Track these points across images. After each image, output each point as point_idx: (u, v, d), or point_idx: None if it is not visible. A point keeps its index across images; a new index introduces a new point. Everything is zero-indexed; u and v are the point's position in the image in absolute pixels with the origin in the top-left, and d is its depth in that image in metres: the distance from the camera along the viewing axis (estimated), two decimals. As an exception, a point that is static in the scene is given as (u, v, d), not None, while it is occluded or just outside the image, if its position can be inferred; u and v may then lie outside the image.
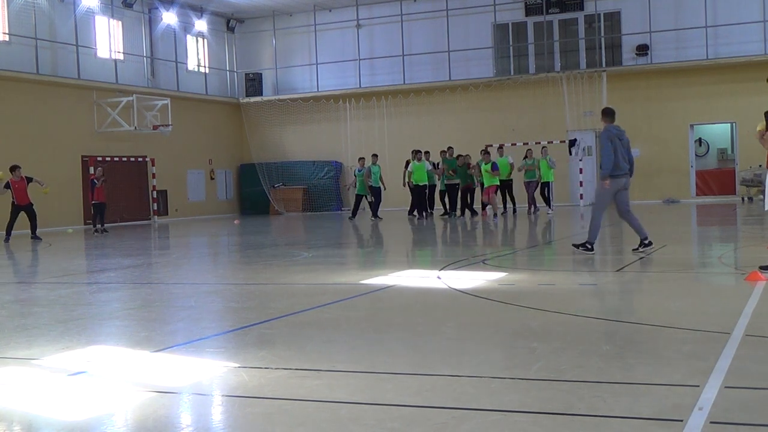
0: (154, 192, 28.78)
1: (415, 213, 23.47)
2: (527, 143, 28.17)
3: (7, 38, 24.43)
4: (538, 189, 24.49)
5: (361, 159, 24.61)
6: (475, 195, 23.81)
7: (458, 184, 23.65)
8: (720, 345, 5.20)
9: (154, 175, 28.68)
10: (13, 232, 19.61)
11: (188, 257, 15.38)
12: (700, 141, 30.64)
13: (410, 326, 6.57)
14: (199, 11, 31.63)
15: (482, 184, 22.52)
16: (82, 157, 26.16)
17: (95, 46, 27.53)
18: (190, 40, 32.18)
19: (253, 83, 33.48)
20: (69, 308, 8.32)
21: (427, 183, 23.59)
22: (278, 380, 4.87)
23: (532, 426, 3.78)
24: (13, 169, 19.53)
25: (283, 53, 33.34)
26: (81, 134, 26.34)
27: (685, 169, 28.63)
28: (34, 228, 19.80)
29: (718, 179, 29.19)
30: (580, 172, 28.02)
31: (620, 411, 3.97)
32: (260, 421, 4.11)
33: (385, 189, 24.28)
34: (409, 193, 24.06)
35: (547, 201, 24.19)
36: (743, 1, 27.64)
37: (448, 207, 23.87)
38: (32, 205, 19.75)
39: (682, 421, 3.72)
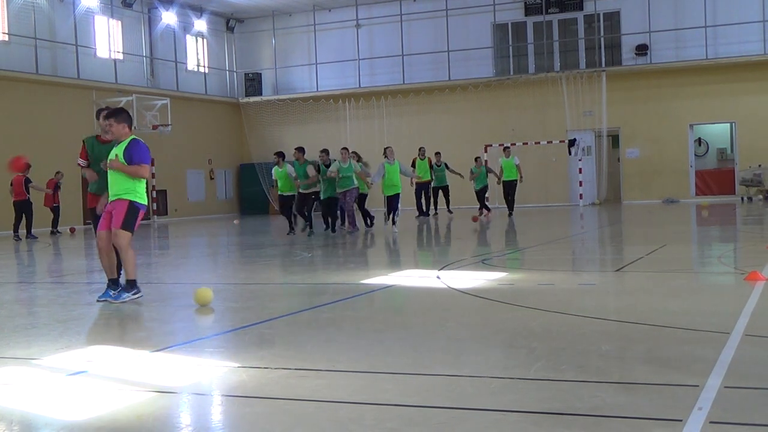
0: (154, 192, 28.78)
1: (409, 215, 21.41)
2: (527, 143, 28.21)
3: (6, 38, 24.43)
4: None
5: (325, 151, 18.56)
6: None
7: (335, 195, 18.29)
8: (720, 345, 5.20)
9: (153, 175, 28.67)
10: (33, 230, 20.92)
11: (188, 257, 15.38)
12: (699, 141, 30.65)
13: (410, 326, 6.57)
14: (199, 11, 31.63)
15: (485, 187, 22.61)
16: (82, 157, 26.15)
17: (95, 45, 27.53)
18: (190, 39, 32.18)
19: (253, 83, 33.49)
20: (69, 308, 8.31)
21: (295, 193, 18.02)
22: (278, 380, 4.87)
23: (532, 426, 3.78)
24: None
25: (283, 53, 33.34)
26: (81, 134, 26.12)
27: (684, 169, 28.66)
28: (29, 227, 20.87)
29: (717, 179, 29.21)
30: (580, 172, 28.03)
31: (620, 411, 3.97)
32: (260, 420, 4.11)
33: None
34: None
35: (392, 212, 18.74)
36: (743, 1, 27.66)
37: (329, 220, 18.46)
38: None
39: (681, 421, 3.72)
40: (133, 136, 8.28)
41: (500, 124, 29.57)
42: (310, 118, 32.26)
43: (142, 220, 8.78)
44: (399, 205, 18.73)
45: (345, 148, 18.25)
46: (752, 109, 27.50)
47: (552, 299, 7.56)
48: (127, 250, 8.22)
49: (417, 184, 23.19)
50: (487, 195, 23.93)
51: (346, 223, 18.17)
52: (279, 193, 18.41)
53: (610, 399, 4.16)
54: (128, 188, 8.18)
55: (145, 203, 8.39)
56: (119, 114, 8.31)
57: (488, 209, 23.42)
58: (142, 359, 5.61)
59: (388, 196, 18.72)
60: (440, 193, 23.95)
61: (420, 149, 23.66)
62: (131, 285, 8.32)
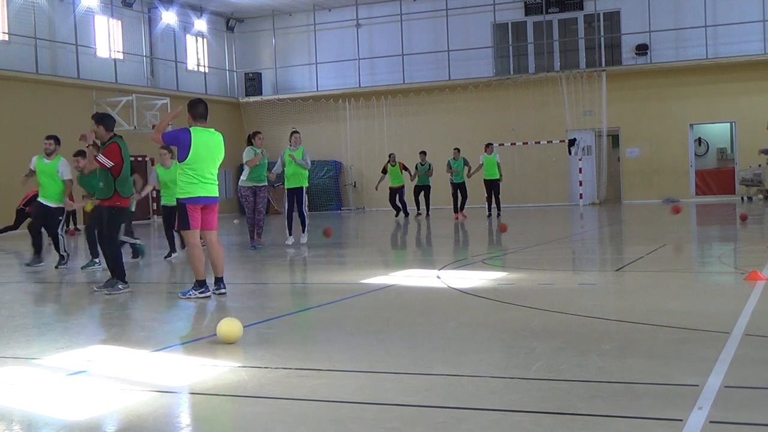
0: (154, 191, 28.74)
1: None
2: (527, 143, 28.21)
3: (6, 38, 24.42)
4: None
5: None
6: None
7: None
8: (720, 345, 5.20)
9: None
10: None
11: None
12: (699, 140, 30.65)
13: (410, 326, 6.57)
14: (199, 11, 31.62)
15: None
16: (82, 156, 26.16)
17: (95, 45, 27.52)
18: (190, 39, 32.17)
19: (253, 83, 33.47)
20: (69, 308, 8.31)
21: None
22: (278, 380, 4.88)
23: (532, 425, 3.78)
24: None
25: (283, 53, 33.33)
26: (80, 134, 26.31)
27: (684, 169, 28.64)
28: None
29: (717, 179, 29.20)
30: (580, 172, 28.01)
31: (620, 411, 3.97)
32: (260, 420, 4.11)
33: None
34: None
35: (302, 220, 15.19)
36: (743, 1, 27.65)
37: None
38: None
39: (681, 420, 3.72)
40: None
41: (500, 124, 29.55)
42: (310, 118, 32.24)
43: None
44: (305, 207, 14.98)
45: (258, 132, 14.99)
46: (752, 109, 27.48)
47: (552, 299, 7.56)
48: (192, 248, 8.35)
49: (390, 188, 23.87)
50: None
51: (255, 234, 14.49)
52: (39, 199, 12.55)
53: (611, 399, 4.17)
54: (178, 186, 8.36)
55: (193, 195, 8.23)
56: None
57: (465, 201, 22.87)
58: (142, 359, 5.61)
59: (289, 189, 15.05)
60: (422, 193, 23.95)
61: (390, 155, 24.43)
62: (199, 284, 8.36)
